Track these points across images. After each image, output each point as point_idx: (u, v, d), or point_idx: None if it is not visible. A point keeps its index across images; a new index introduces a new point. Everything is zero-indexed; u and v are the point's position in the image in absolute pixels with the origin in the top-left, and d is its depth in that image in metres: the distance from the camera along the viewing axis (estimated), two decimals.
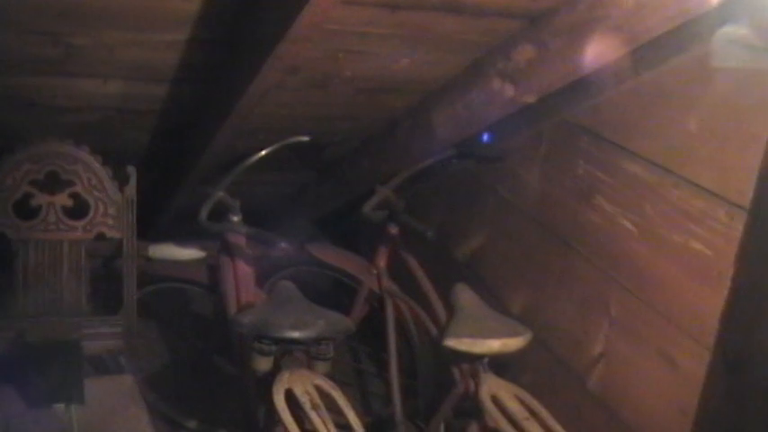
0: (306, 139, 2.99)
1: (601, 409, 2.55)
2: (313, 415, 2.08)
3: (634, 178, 2.44)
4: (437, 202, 3.47)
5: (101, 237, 2.84)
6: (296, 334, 2.31)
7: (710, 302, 2.15)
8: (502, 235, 3.15)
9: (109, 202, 2.80)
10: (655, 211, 2.36)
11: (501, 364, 2.61)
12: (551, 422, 2.33)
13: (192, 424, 3.36)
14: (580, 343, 2.65)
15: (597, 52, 2.38)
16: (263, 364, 2.34)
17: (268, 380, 2.25)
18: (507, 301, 2.99)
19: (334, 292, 3.45)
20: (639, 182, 2.42)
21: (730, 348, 0.93)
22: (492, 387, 2.45)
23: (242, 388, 2.66)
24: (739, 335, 0.99)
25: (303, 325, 2.33)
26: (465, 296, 2.72)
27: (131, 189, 2.82)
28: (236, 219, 2.95)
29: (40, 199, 2.76)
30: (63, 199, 2.78)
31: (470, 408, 2.52)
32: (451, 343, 2.49)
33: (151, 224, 3.66)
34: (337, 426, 2.11)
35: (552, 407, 2.42)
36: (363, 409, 3.24)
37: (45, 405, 2.40)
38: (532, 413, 2.36)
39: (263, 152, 2.96)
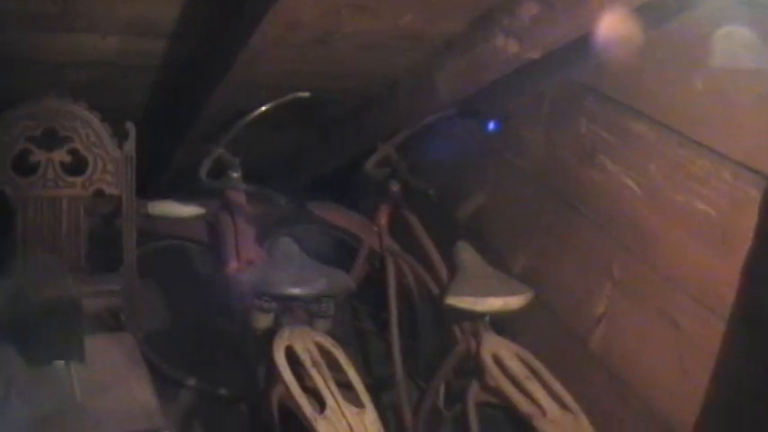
0: (306, 95, 2.96)
1: (602, 370, 2.54)
2: (313, 372, 2.07)
3: (638, 138, 2.42)
4: (439, 161, 3.44)
5: (99, 193, 2.82)
6: (296, 291, 2.30)
7: (713, 263, 2.14)
8: (504, 195, 3.13)
9: (107, 158, 2.78)
10: (659, 170, 2.34)
11: (502, 325, 2.60)
12: (552, 381, 2.33)
13: (192, 382, 3.37)
14: (582, 303, 2.65)
15: (602, 9, 2.35)
16: (264, 322, 2.33)
17: (268, 337, 2.24)
18: (509, 261, 2.98)
19: (335, 251, 3.43)
20: (644, 141, 2.40)
21: (751, 305, 0.92)
22: (493, 346, 2.44)
23: (242, 346, 2.65)
24: (761, 290, 0.97)
25: (304, 282, 2.32)
26: (466, 255, 2.71)
27: (130, 145, 2.80)
28: (235, 175, 2.93)
29: (39, 155, 2.74)
30: (61, 155, 2.77)
31: (471, 367, 2.52)
32: (453, 301, 2.48)
33: (151, 182, 3.65)
34: (338, 383, 2.10)
35: (553, 367, 2.41)
36: (364, 369, 3.24)
37: (45, 363, 2.40)
38: (533, 372, 2.36)
39: (264, 108, 2.94)
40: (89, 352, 2.44)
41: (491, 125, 3.05)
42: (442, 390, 2.75)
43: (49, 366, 2.40)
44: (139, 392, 2.37)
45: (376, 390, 2.18)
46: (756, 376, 0.93)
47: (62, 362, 2.41)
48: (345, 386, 2.16)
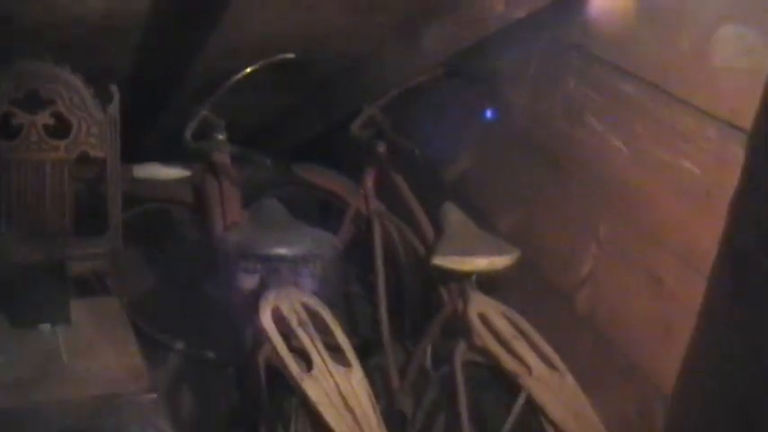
0: (291, 56, 2.94)
1: (587, 329, 2.55)
2: (300, 332, 2.07)
3: (625, 97, 2.41)
4: (425, 123, 3.43)
5: (84, 156, 2.80)
6: (282, 251, 2.30)
7: (699, 222, 2.14)
8: (490, 156, 3.12)
9: (91, 121, 2.76)
10: (645, 129, 2.34)
11: (488, 285, 2.60)
12: (538, 341, 2.33)
13: (178, 346, 3.37)
14: (567, 263, 2.65)
15: None
16: (250, 283, 2.33)
17: (254, 299, 2.24)
18: (495, 221, 2.98)
19: (321, 214, 3.42)
20: (630, 100, 2.39)
21: (738, 241, 0.92)
22: (480, 306, 2.44)
23: (228, 308, 2.64)
24: (750, 226, 0.97)
25: (289, 242, 2.31)
26: (453, 215, 2.70)
27: (114, 108, 2.77)
28: (221, 138, 2.92)
29: (22, 118, 2.72)
30: (45, 118, 2.74)
31: (458, 328, 2.52)
32: (439, 261, 2.48)
33: (136, 147, 3.62)
34: (325, 345, 2.10)
35: (539, 327, 2.42)
36: (350, 332, 3.24)
37: (31, 325, 2.40)
38: (520, 332, 2.36)
39: (249, 69, 2.91)
40: (75, 315, 2.45)
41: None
42: (428, 351, 2.75)
43: (35, 329, 2.40)
44: (126, 355, 2.37)
45: (362, 352, 2.18)
46: (741, 314, 0.94)
47: (48, 324, 2.41)
48: (333, 349, 2.16)
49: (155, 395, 2.32)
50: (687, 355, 1.06)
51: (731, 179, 2.02)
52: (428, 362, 2.76)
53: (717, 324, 1.02)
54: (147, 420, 2.32)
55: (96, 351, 2.36)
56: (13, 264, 2.60)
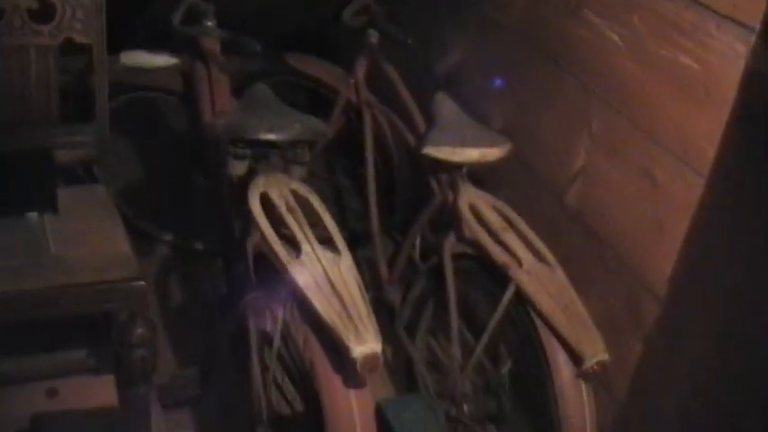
0: None
1: (578, 225, 2.55)
2: (288, 218, 2.05)
3: None
4: (418, 13, 3.37)
5: (69, 42, 2.74)
6: (271, 136, 2.26)
7: (695, 119, 2.11)
8: (484, 50, 3.07)
9: (77, 5, 2.68)
10: (643, 23, 2.29)
11: (479, 179, 2.59)
12: (529, 233, 2.33)
13: (166, 236, 3.37)
14: (559, 159, 2.63)
15: None
16: (239, 169, 2.30)
17: (243, 186, 2.21)
18: (487, 115, 2.94)
19: (312, 104, 3.39)
20: None
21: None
22: (470, 197, 2.43)
23: (217, 196, 2.63)
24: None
25: (279, 127, 2.28)
26: (445, 106, 2.66)
27: None
28: (210, 24, 2.86)
29: (4, 2, 2.64)
30: (28, 2, 2.67)
31: (447, 221, 2.51)
32: (430, 151, 2.45)
33: (123, 35, 3.55)
34: (312, 228, 2.08)
35: (529, 221, 2.41)
36: (339, 224, 3.24)
37: (17, 214, 2.38)
38: (510, 224, 2.35)
39: None
40: (62, 203, 2.42)
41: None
42: (417, 243, 2.75)
43: (22, 217, 2.38)
44: (114, 243, 2.36)
45: (351, 244, 2.17)
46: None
47: (35, 213, 2.39)
48: (323, 242, 2.15)
49: (143, 283, 2.32)
50: (675, 268, 1.05)
51: (731, 76, 2.01)
52: (417, 254, 2.77)
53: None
54: (135, 308, 2.33)
55: (84, 239, 2.35)
56: None
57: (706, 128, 2.07)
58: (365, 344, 1.78)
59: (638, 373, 1.15)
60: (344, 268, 1.95)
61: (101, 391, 2.40)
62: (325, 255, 1.97)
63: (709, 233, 0.97)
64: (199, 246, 3.36)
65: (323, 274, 1.91)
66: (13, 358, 2.53)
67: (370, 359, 1.78)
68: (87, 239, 2.36)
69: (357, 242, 3.01)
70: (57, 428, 2.12)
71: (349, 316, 1.81)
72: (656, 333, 1.07)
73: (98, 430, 2.15)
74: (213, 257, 3.07)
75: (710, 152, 2.04)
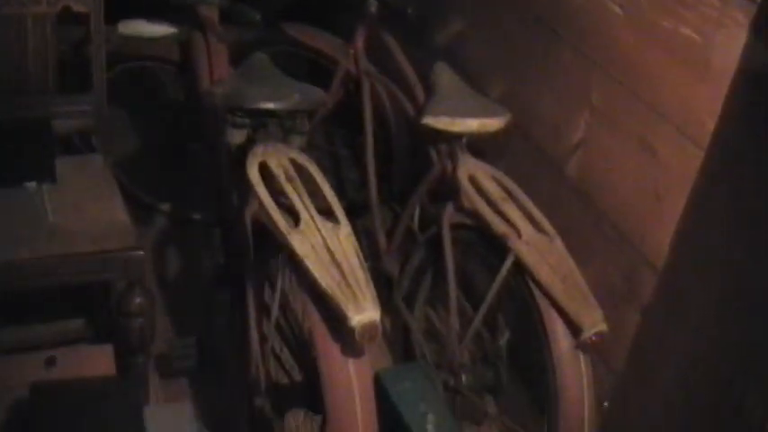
0: None
1: (577, 196, 2.55)
2: (287, 187, 2.04)
3: None
4: None
5: (67, 11, 2.73)
6: (270, 105, 2.25)
7: (696, 90, 2.10)
8: (484, 20, 3.05)
9: None
10: None
11: (478, 150, 2.58)
12: (528, 204, 2.31)
13: (164, 207, 3.36)
14: (559, 130, 2.62)
15: None
16: (237, 138, 2.29)
17: (241, 155, 2.20)
18: (487, 86, 2.93)
19: (311, 74, 3.37)
20: None
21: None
22: (469, 167, 2.42)
23: (215, 167, 2.62)
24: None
25: (278, 97, 2.26)
26: (445, 76, 2.65)
27: None
28: None
29: None
30: None
31: (446, 192, 2.51)
32: (429, 121, 2.44)
33: (121, 4, 3.54)
34: (311, 197, 2.08)
35: (528, 192, 2.40)
36: (338, 195, 3.24)
37: (15, 183, 2.37)
38: (510, 195, 2.34)
39: None
40: (60, 173, 2.42)
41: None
42: (416, 213, 2.75)
43: (20, 186, 2.37)
44: (112, 213, 2.36)
45: (350, 214, 2.16)
46: (725, 203, 0.93)
47: (33, 182, 2.38)
48: (322, 212, 2.14)
49: (141, 253, 2.32)
50: (673, 241, 1.04)
51: (732, 49, 2.00)
52: (415, 224, 2.76)
53: (703, 210, 1.00)
54: (133, 277, 2.33)
55: (82, 209, 2.34)
56: None
57: (706, 100, 2.06)
58: (364, 312, 1.77)
59: (637, 344, 1.15)
60: (343, 237, 1.94)
61: (99, 361, 2.40)
62: (324, 224, 1.96)
63: (707, 204, 0.97)
64: (197, 216, 3.35)
65: (322, 243, 1.90)
66: (11, 327, 2.53)
67: (369, 328, 1.78)
68: (85, 209, 2.35)
69: (355, 213, 3.01)
70: (55, 397, 2.11)
71: (348, 285, 1.80)
72: (654, 303, 1.07)
73: (96, 399, 2.14)
74: (211, 228, 3.06)
75: (711, 124, 2.02)
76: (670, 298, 1.08)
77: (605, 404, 1.22)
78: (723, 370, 0.96)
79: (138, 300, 2.35)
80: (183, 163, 3.35)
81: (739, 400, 0.91)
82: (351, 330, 1.77)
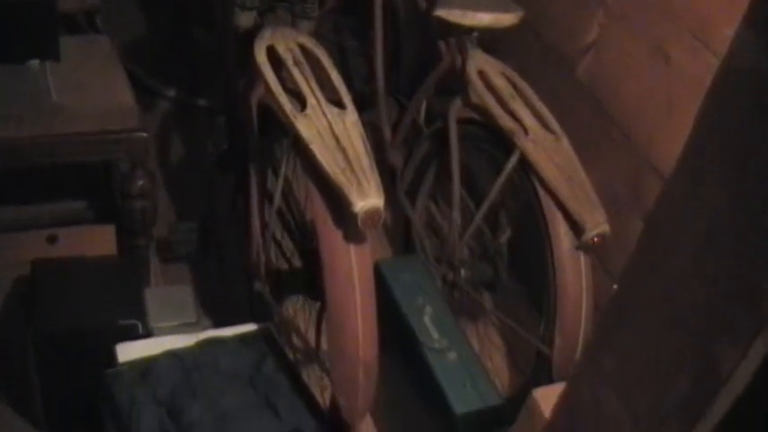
0: None
1: (587, 99, 2.52)
2: (295, 71, 2.00)
3: None
4: None
5: None
6: None
7: None
8: None
9: None
10: None
11: (489, 47, 2.54)
12: (537, 102, 2.28)
13: (170, 92, 3.33)
14: (572, 30, 2.58)
15: None
16: (245, 20, 2.24)
17: (249, 38, 2.16)
18: None
19: None
20: None
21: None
22: (479, 62, 2.38)
23: (222, 51, 2.58)
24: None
25: None
26: None
27: None
28: None
29: None
30: None
31: (454, 86, 2.47)
32: (441, 13, 2.38)
33: None
34: (319, 83, 2.05)
35: (538, 92, 2.37)
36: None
37: (19, 61, 2.34)
38: (519, 93, 2.31)
39: None
40: (64, 52, 2.38)
41: None
42: (423, 106, 2.72)
43: (23, 64, 2.35)
44: (117, 94, 2.34)
45: (357, 106, 2.12)
46: (741, 113, 0.91)
47: (36, 60, 2.35)
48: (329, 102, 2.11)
49: (144, 134, 2.30)
50: (683, 150, 1.02)
51: None
52: (422, 117, 2.74)
53: (713, 121, 0.98)
54: (135, 159, 2.32)
55: (86, 89, 2.33)
56: None
57: (724, 5, 2.02)
58: (367, 198, 1.76)
59: (637, 252, 1.14)
60: (349, 123, 1.92)
61: (101, 240, 2.42)
62: (331, 109, 1.93)
63: (720, 114, 0.94)
64: (202, 102, 3.33)
65: (327, 128, 1.88)
66: (14, 206, 2.54)
67: (372, 214, 1.76)
68: (89, 89, 2.33)
69: (362, 104, 2.98)
70: (56, 273, 2.13)
71: (352, 170, 1.78)
72: (657, 211, 1.06)
73: (97, 277, 2.16)
74: (216, 114, 3.04)
75: (725, 29, 1.99)
76: (673, 207, 1.07)
77: (614, 287, 1.22)
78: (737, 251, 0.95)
79: (140, 182, 2.35)
80: (189, 47, 3.31)
81: (758, 278, 0.91)
82: (353, 216, 1.75)
